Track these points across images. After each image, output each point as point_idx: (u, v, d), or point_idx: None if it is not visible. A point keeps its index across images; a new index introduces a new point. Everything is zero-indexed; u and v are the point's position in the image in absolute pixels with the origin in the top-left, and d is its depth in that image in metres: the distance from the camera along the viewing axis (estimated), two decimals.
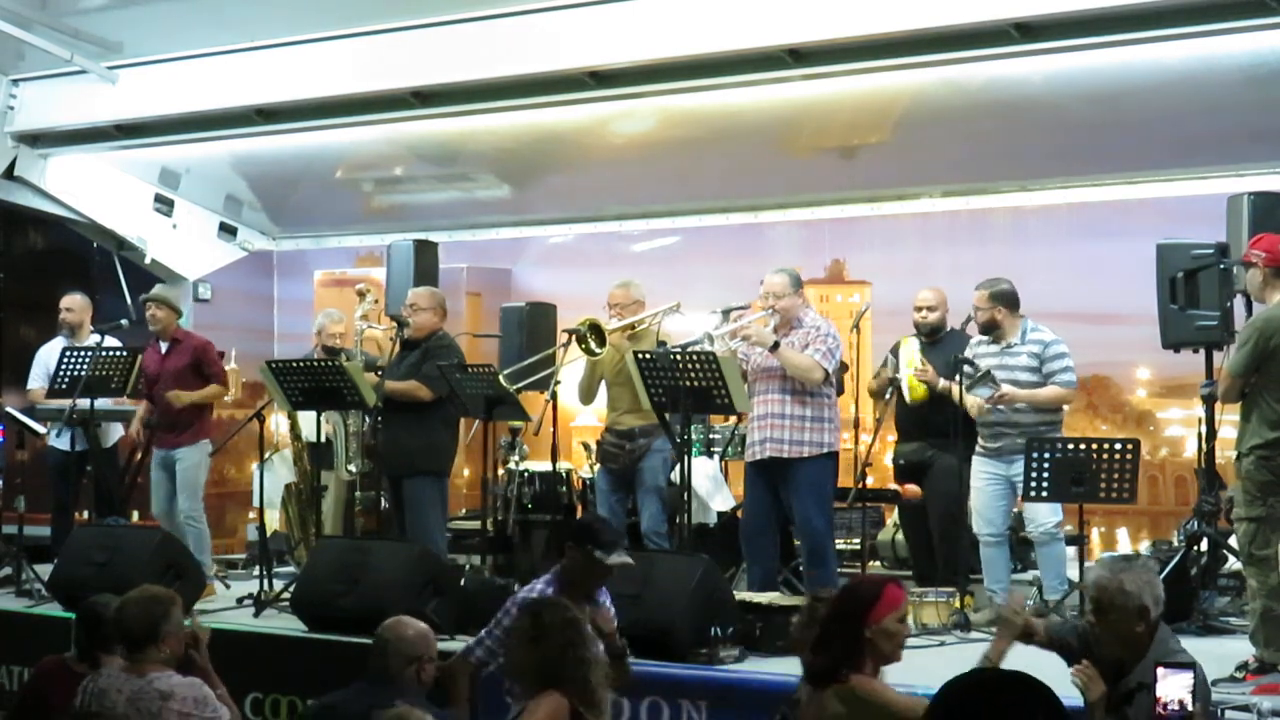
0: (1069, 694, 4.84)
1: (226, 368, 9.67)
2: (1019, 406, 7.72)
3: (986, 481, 7.80)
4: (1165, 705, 4.14)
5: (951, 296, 8.51)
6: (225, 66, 10.37)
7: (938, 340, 8.39)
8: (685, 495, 7.56)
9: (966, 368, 7.75)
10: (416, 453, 8.47)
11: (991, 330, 7.91)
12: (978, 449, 7.86)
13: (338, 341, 9.55)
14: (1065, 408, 7.99)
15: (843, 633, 4.52)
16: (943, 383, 8.04)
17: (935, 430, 8.19)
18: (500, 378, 8.17)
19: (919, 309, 8.43)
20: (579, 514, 9.43)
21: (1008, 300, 7.88)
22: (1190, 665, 4.24)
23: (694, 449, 8.19)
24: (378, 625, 7.14)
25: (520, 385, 8.38)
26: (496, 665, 5.45)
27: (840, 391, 8.31)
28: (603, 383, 8.52)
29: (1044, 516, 7.67)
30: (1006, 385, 7.69)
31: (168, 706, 4.86)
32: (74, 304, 10.00)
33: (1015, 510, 7.99)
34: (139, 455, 9.79)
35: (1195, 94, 8.40)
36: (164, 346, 9.32)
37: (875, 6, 8.37)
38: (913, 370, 8.22)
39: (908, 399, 8.27)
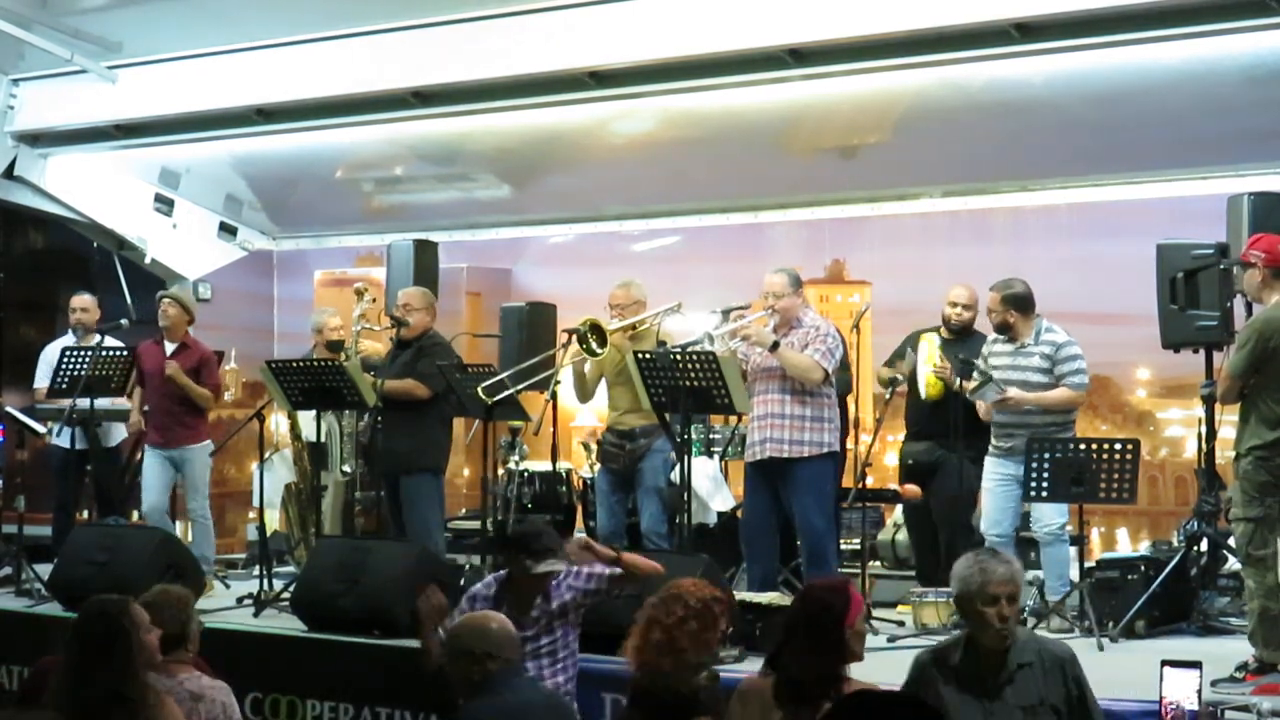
0: None
1: (226, 368, 9.66)
2: (1029, 408, 7.71)
3: (997, 482, 7.78)
4: (1171, 705, 4.12)
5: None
6: (225, 66, 10.36)
7: (962, 339, 8.35)
8: (685, 495, 7.56)
9: (973, 372, 7.74)
10: (413, 451, 8.47)
11: (1005, 331, 7.89)
12: (990, 449, 7.83)
13: (339, 334, 9.56)
14: (1076, 409, 7.96)
15: (828, 643, 4.48)
16: (959, 381, 8.00)
17: (946, 430, 8.11)
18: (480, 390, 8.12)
19: (954, 304, 8.34)
20: (579, 514, 9.42)
21: (1019, 303, 7.84)
22: (1197, 664, 4.22)
23: (694, 449, 8.17)
24: (377, 625, 7.21)
25: (520, 387, 8.36)
26: None
27: (848, 391, 8.29)
28: (603, 382, 8.51)
29: (1049, 517, 7.66)
30: (1012, 389, 7.67)
31: (197, 709, 4.84)
32: (86, 304, 10.01)
33: (1024, 510, 7.97)
34: (139, 455, 9.78)
35: (1195, 94, 8.39)
36: (170, 347, 9.31)
37: (875, 6, 8.37)
38: (932, 368, 8.18)
39: (923, 394, 8.22)
